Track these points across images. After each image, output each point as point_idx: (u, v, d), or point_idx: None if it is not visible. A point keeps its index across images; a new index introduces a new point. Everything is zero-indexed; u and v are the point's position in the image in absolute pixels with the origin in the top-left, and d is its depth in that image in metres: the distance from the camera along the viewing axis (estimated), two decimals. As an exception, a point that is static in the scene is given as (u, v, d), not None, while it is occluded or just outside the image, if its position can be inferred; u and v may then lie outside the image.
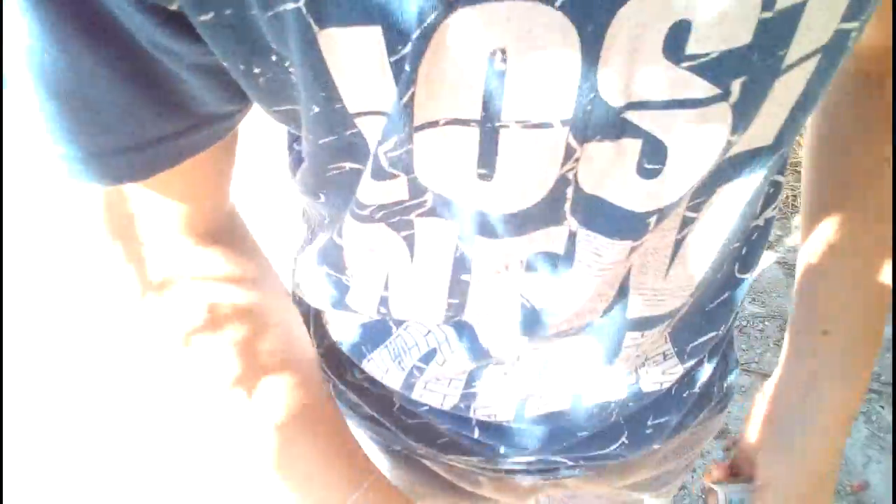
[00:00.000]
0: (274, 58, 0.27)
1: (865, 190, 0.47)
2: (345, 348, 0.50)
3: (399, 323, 0.45)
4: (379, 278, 0.40)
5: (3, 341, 1.70)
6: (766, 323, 1.80)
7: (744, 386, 1.68)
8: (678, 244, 0.38)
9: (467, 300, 0.40)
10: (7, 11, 0.25)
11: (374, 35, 0.25)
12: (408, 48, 0.25)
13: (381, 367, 0.49)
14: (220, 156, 0.36)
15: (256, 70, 0.28)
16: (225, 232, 0.41)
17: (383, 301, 0.42)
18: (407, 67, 0.26)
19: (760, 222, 0.46)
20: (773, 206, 0.46)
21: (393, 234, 0.36)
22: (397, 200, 0.33)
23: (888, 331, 1.72)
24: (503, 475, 0.59)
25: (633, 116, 0.29)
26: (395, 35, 0.25)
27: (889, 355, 1.66)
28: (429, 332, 0.44)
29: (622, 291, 0.40)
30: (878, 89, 0.46)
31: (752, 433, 0.50)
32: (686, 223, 0.37)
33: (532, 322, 0.40)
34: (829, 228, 0.48)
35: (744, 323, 1.82)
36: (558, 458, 0.55)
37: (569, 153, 0.30)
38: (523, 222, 0.33)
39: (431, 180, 0.32)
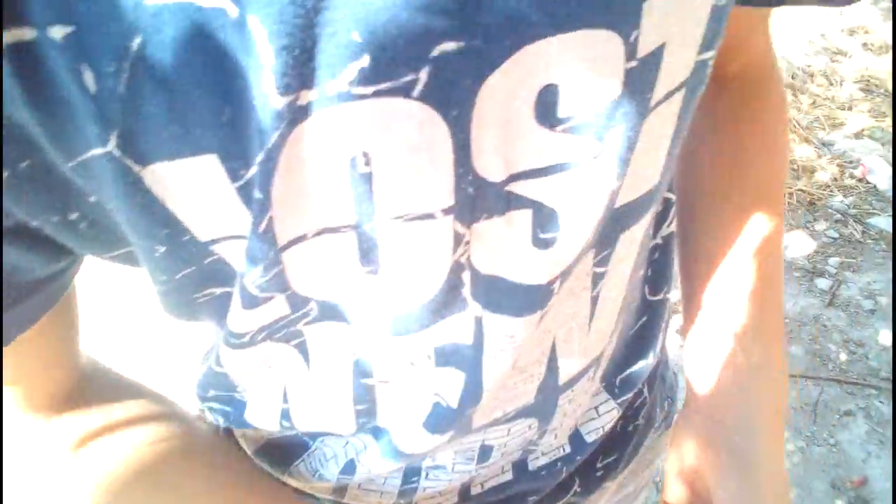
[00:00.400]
0: (93, 199, 0.24)
1: (724, 177, 0.46)
2: (263, 463, 0.46)
3: (313, 436, 0.41)
4: (276, 391, 0.37)
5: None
6: (764, 320, 1.81)
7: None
8: (595, 301, 0.37)
9: (377, 405, 0.37)
10: None
11: (209, 164, 0.23)
12: (252, 172, 0.23)
13: (304, 479, 0.45)
14: (57, 320, 0.31)
15: (73, 216, 0.24)
16: (80, 394, 0.36)
17: (284, 414, 0.38)
18: (257, 193, 0.23)
19: (659, 241, 0.45)
20: (668, 222, 0.45)
21: (282, 346, 0.33)
22: (278, 318, 0.31)
23: (889, 339, 1.73)
24: None
25: (517, 188, 0.27)
26: (234, 161, 0.23)
27: (889, 355, 1.67)
28: (347, 442, 0.41)
29: (551, 365, 0.39)
30: (718, 86, 0.46)
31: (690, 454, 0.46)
32: (597, 279, 0.36)
33: (452, 420, 0.37)
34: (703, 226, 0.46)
35: (742, 320, 1.83)
36: None
37: (458, 239, 0.28)
38: (422, 316, 0.31)
39: (312, 291, 0.29)
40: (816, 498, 1.45)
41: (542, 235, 0.29)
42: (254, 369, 0.35)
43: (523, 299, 0.31)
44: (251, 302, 0.28)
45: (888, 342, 1.70)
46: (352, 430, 0.38)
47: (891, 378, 1.63)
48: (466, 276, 0.30)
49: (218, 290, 0.30)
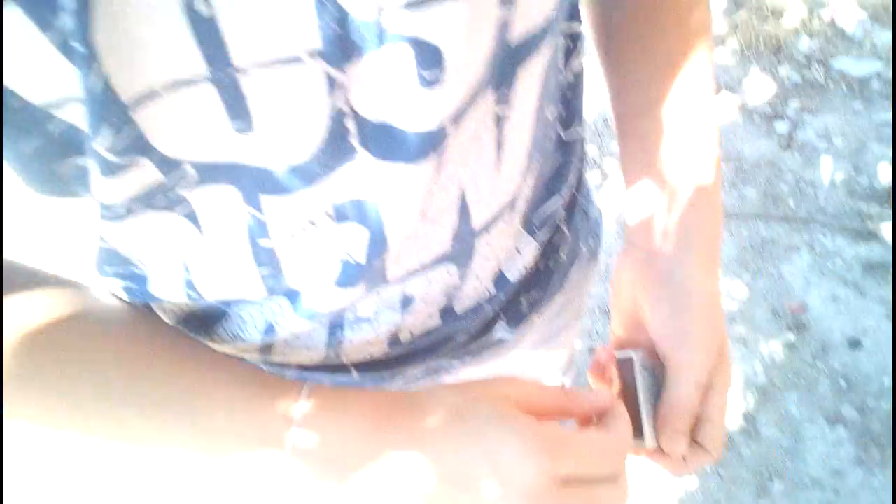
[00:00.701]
0: None
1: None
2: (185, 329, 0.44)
3: (226, 303, 0.39)
4: (175, 262, 0.35)
5: None
6: (724, 165, 1.86)
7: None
8: (500, 143, 0.36)
9: (281, 267, 0.35)
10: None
11: (15, 17, 0.21)
12: (64, 19, 0.21)
13: (228, 343, 0.43)
14: None
15: None
16: None
17: (189, 284, 0.36)
18: (78, 45, 0.21)
19: (570, 78, 0.44)
20: (577, 56, 0.43)
21: (168, 214, 0.31)
22: (152, 184, 0.28)
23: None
24: (395, 389, 0.56)
25: (389, 22, 0.25)
26: (40, 9, 0.21)
27: (838, 192, 1.74)
28: (262, 305, 0.39)
29: (462, 211, 0.37)
30: None
31: (627, 296, 0.46)
32: (500, 121, 0.34)
33: (361, 275, 0.35)
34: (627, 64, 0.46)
35: (702, 167, 1.88)
36: (443, 362, 0.54)
37: (332, 83, 0.26)
38: (309, 170, 0.29)
39: (181, 152, 0.27)
40: (760, 325, 1.58)
41: (426, 75, 0.27)
42: (143, 241, 0.33)
43: (415, 145, 0.29)
44: (110, 168, 0.27)
45: (838, 180, 1.77)
46: (262, 295, 0.37)
47: (837, 214, 1.71)
48: (351, 124, 0.29)
49: (80, 160, 0.28)
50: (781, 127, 1.89)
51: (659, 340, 0.42)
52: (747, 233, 1.73)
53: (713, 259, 0.43)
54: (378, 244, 0.34)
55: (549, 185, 0.48)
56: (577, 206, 0.55)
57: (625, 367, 0.42)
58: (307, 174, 0.30)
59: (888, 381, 1.44)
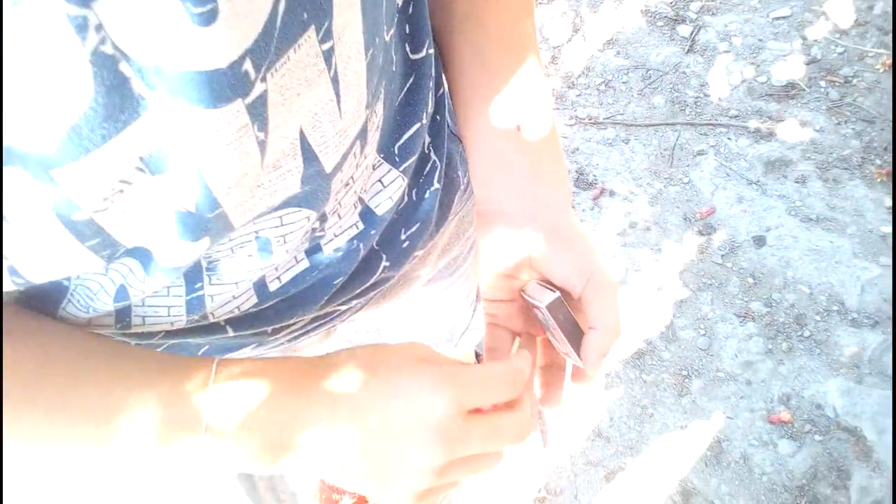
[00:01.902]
0: None
1: None
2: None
3: (65, 277, 0.36)
4: None
5: None
6: (631, 74, 1.86)
7: (609, 139, 1.77)
8: (335, 80, 0.34)
9: (109, 234, 0.32)
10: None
11: None
12: None
13: (80, 319, 0.40)
14: None
15: None
16: None
17: (12, 271, 0.33)
18: None
19: None
20: None
21: None
22: None
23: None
24: (284, 345, 0.57)
25: None
26: None
27: (739, 93, 1.77)
28: (106, 270, 0.37)
29: (307, 155, 0.36)
30: None
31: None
32: (328, 56, 0.32)
33: (202, 226, 0.34)
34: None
35: (609, 77, 1.87)
36: (328, 310, 0.53)
37: (80, 25, 0.23)
38: (94, 128, 0.26)
39: None
40: (671, 231, 1.62)
41: (195, 10, 0.24)
42: None
43: (208, 87, 0.27)
44: None
45: (737, 81, 1.80)
46: (101, 266, 0.34)
47: (739, 115, 1.75)
48: (127, 69, 0.25)
49: None
50: (684, 30, 1.89)
51: (574, 284, 0.44)
52: (657, 141, 1.75)
53: (570, 199, 0.47)
54: (206, 195, 0.32)
55: (404, 111, 0.47)
56: (443, 130, 0.53)
57: (551, 307, 0.44)
58: (94, 134, 0.26)
59: (791, 274, 1.53)
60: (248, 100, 0.29)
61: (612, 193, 1.69)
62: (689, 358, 1.47)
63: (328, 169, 0.38)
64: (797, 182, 1.63)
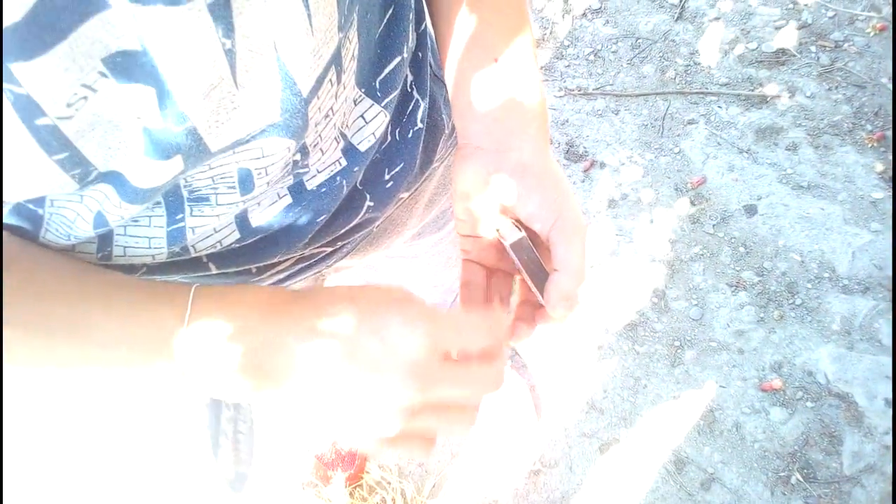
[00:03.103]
0: None
1: None
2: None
3: (38, 202, 0.36)
4: None
5: None
6: (619, 44, 1.83)
7: (599, 110, 1.75)
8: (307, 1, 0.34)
9: (78, 148, 0.32)
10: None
11: None
12: None
13: (63, 247, 0.41)
14: None
15: None
16: None
17: None
18: None
19: None
20: None
21: None
22: None
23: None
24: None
25: None
26: None
27: (729, 60, 1.75)
28: (81, 197, 0.36)
29: (283, 74, 0.35)
30: None
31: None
32: None
33: (171, 143, 0.33)
34: None
35: (598, 46, 1.84)
36: (315, 250, 0.53)
37: None
38: (49, 19, 0.26)
39: None
40: (663, 200, 1.61)
41: None
42: None
43: None
44: None
45: (727, 49, 1.77)
46: (73, 187, 0.34)
47: (729, 83, 1.73)
48: None
49: None
50: (673, -3, 1.86)
51: (541, 225, 0.44)
52: (647, 111, 1.73)
53: (547, 140, 0.47)
54: (172, 106, 0.32)
55: (384, 43, 0.46)
56: (425, 70, 0.54)
57: (515, 246, 0.45)
58: (49, 26, 0.26)
59: (782, 242, 1.52)
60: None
61: (602, 165, 1.68)
62: (682, 328, 1.47)
63: (304, 92, 0.37)
64: (788, 149, 1.62)
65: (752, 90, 1.70)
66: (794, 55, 1.72)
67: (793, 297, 1.47)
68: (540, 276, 0.45)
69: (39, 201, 0.36)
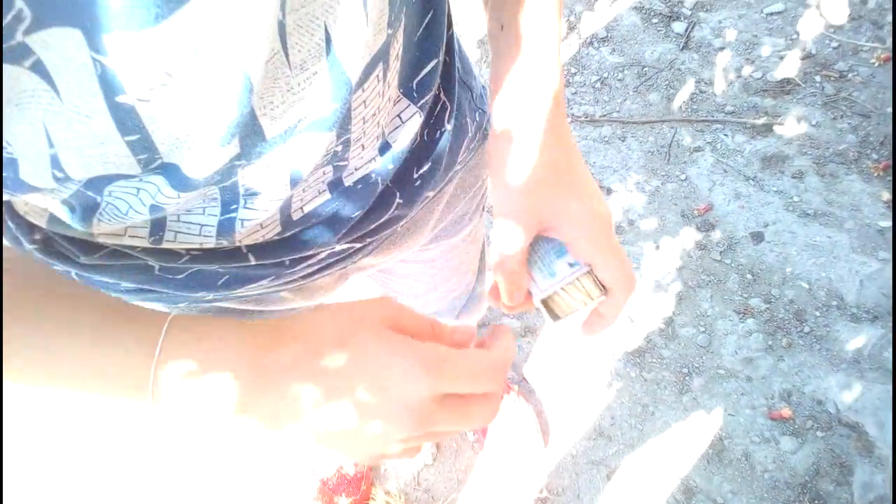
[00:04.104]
0: None
1: None
2: (61, 230, 0.42)
3: (97, 188, 0.36)
4: (38, 135, 0.32)
5: None
6: (626, 72, 1.85)
7: (606, 136, 1.77)
8: None
9: (148, 131, 0.32)
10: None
11: None
12: None
13: (112, 232, 0.41)
14: None
15: None
16: None
17: (55, 162, 0.33)
18: None
19: None
20: None
21: (13, 69, 0.28)
22: None
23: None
24: (300, 282, 0.58)
25: None
26: None
27: (735, 89, 1.77)
28: (138, 190, 0.37)
29: (332, 62, 0.36)
30: None
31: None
32: None
33: (243, 129, 0.35)
34: None
35: (605, 74, 1.86)
36: (345, 246, 0.55)
37: None
38: (150, 4, 0.27)
39: None
40: (669, 228, 1.62)
41: None
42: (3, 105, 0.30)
43: None
44: None
45: (732, 77, 1.79)
46: (136, 170, 0.34)
47: (735, 111, 1.74)
48: None
49: None
50: (679, 27, 1.88)
51: (549, 218, 0.47)
52: (653, 138, 1.74)
53: (568, 135, 0.48)
54: (243, 89, 0.33)
55: (422, 45, 0.48)
56: (453, 75, 0.55)
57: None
58: (150, 8, 0.27)
59: (790, 270, 1.52)
60: None
61: (609, 191, 1.69)
62: (690, 355, 1.47)
63: (352, 81, 0.38)
64: (794, 177, 1.63)
65: (758, 118, 1.72)
66: (799, 84, 1.74)
67: (801, 324, 1.46)
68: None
69: (99, 188, 0.36)
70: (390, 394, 0.35)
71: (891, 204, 1.55)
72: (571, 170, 0.47)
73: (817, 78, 1.74)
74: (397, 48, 0.43)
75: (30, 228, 0.45)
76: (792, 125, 1.70)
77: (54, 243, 0.46)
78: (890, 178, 1.58)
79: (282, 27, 0.32)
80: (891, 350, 1.40)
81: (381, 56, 0.40)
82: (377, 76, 0.41)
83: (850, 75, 1.73)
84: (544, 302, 0.50)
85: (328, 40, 0.35)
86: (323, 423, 0.36)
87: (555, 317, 0.50)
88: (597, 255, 0.48)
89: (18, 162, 0.33)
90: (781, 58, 1.79)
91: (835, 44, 1.78)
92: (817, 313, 1.47)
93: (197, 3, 0.28)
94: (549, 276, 0.49)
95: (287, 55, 0.34)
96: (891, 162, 1.59)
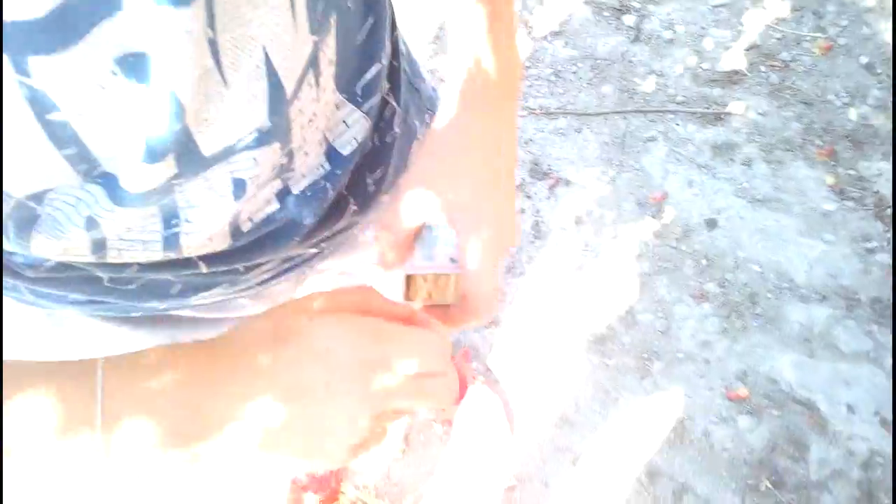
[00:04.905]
0: None
1: None
2: (4, 246, 0.40)
3: (38, 199, 0.35)
4: None
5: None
6: (579, 65, 1.88)
7: (562, 128, 1.79)
8: (293, 2, 0.35)
9: (85, 144, 0.32)
10: None
11: None
12: None
13: (51, 251, 0.40)
14: None
15: None
16: None
17: None
18: None
19: None
20: None
21: None
22: None
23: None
24: (257, 288, 0.57)
25: None
26: None
27: (687, 80, 1.81)
28: (77, 199, 0.36)
29: (271, 75, 0.36)
30: None
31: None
32: None
33: (165, 146, 0.34)
34: None
35: (559, 67, 1.88)
36: (299, 252, 0.54)
37: None
38: (69, 19, 0.26)
39: None
40: (626, 216, 1.65)
41: None
42: None
43: None
44: None
45: (682, 69, 1.84)
46: (78, 181, 0.34)
47: (685, 101, 1.79)
48: None
49: None
50: (629, 20, 1.92)
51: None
52: (608, 129, 1.77)
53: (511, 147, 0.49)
54: (172, 106, 0.32)
55: (364, 50, 0.47)
56: (400, 77, 0.56)
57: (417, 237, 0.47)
58: (67, 25, 0.27)
59: (742, 254, 1.57)
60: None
61: (567, 182, 1.71)
62: (649, 341, 1.50)
63: (288, 93, 0.38)
64: (743, 164, 1.68)
65: (708, 108, 1.76)
66: (746, 74, 1.79)
67: (754, 307, 1.51)
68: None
69: (39, 199, 0.35)
70: (337, 366, 0.35)
71: (835, 188, 1.61)
72: (497, 183, 0.47)
73: (762, 68, 1.80)
74: (329, 53, 0.42)
75: None
76: (740, 114, 1.75)
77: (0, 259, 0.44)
78: (833, 163, 1.65)
79: (213, 44, 0.32)
80: (839, 328, 1.46)
81: (311, 63, 0.40)
82: (308, 83, 0.41)
83: (793, 65, 1.79)
84: (409, 277, 0.49)
85: (267, 59, 0.35)
86: (279, 421, 0.35)
87: (407, 296, 0.50)
88: (481, 272, 0.47)
89: None
90: (728, 49, 1.84)
91: (778, 34, 1.84)
92: (769, 295, 1.52)
93: (112, 24, 0.28)
94: (426, 258, 0.49)
95: (222, 73, 0.33)
96: (833, 147, 1.66)
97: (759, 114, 1.74)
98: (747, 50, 1.83)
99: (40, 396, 0.33)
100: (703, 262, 1.57)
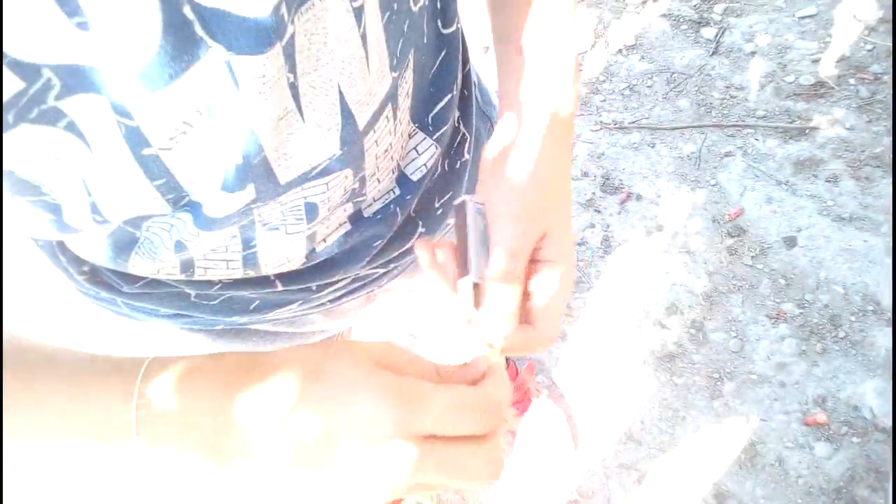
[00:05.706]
0: None
1: None
2: (103, 264, 0.45)
3: (136, 224, 0.39)
4: (76, 184, 0.34)
5: None
6: (655, 78, 1.86)
7: (635, 143, 1.77)
8: (364, 38, 0.37)
9: (173, 175, 0.35)
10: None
11: None
12: None
13: (146, 271, 0.46)
14: None
15: None
16: None
17: (94, 208, 0.35)
18: None
19: None
20: None
21: (50, 129, 0.30)
22: (13, 94, 0.28)
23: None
24: (328, 305, 0.59)
25: None
26: None
27: (766, 94, 1.76)
28: (171, 225, 0.40)
29: (344, 114, 0.39)
30: None
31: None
32: (359, 14, 0.35)
33: (245, 176, 0.36)
34: None
35: (633, 81, 1.87)
36: (369, 272, 0.57)
37: None
38: (163, 64, 0.29)
39: (31, 54, 0.27)
40: (699, 233, 1.62)
41: None
42: (39, 163, 0.33)
43: (255, 32, 0.30)
44: None
45: (764, 82, 1.78)
46: (167, 210, 0.38)
47: (766, 115, 1.73)
48: (189, 11, 0.29)
49: None
50: (708, 33, 1.88)
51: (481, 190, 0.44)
52: (683, 144, 1.74)
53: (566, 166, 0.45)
54: (250, 141, 0.35)
55: (437, 82, 0.49)
56: (470, 105, 0.57)
57: (460, 211, 0.43)
58: (163, 70, 0.30)
59: (824, 275, 1.51)
60: (284, 41, 0.32)
61: (638, 197, 1.69)
62: (721, 360, 1.46)
63: (361, 127, 0.41)
64: (828, 181, 1.61)
65: (791, 122, 1.71)
66: (833, 87, 1.72)
67: (836, 329, 1.44)
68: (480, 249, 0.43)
69: (137, 224, 0.40)
70: (359, 428, 0.32)
71: (928, 207, 1.53)
72: (559, 203, 0.45)
73: (851, 81, 1.72)
74: (406, 87, 0.45)
75: (78, 262, 0.49)
76: (825, 129, 1.68)
77: (100, 274, 0.50)
78: (927, 180, 1.56)
79: (294, 88, 0.35)
80: (929, 355, 1.38)
81: (390, 98, 0.43)
82: (386, 117, 0.44)
83: (885, 77, 1.71)
84: (476, 285, 0.44)
85: (342, 97, 0.38)
86: (293, 458, 0.33)
87: (476, 304, 0.44)
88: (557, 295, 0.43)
89: (62, 207, 0.36)
90: (814, 61, 1.77)
91: (869, 46, 1.76)
92: (853, 318, 1.45)
93: (200, 69, 0.31)
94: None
95: (301, 112, 0.37)
96: (928, 164, 1.57)
97: (847, 128, 1.67)
98: (835, 62, 1.76)
99: (76, 387, 0.35)
100: (781, 281, 1.52)
